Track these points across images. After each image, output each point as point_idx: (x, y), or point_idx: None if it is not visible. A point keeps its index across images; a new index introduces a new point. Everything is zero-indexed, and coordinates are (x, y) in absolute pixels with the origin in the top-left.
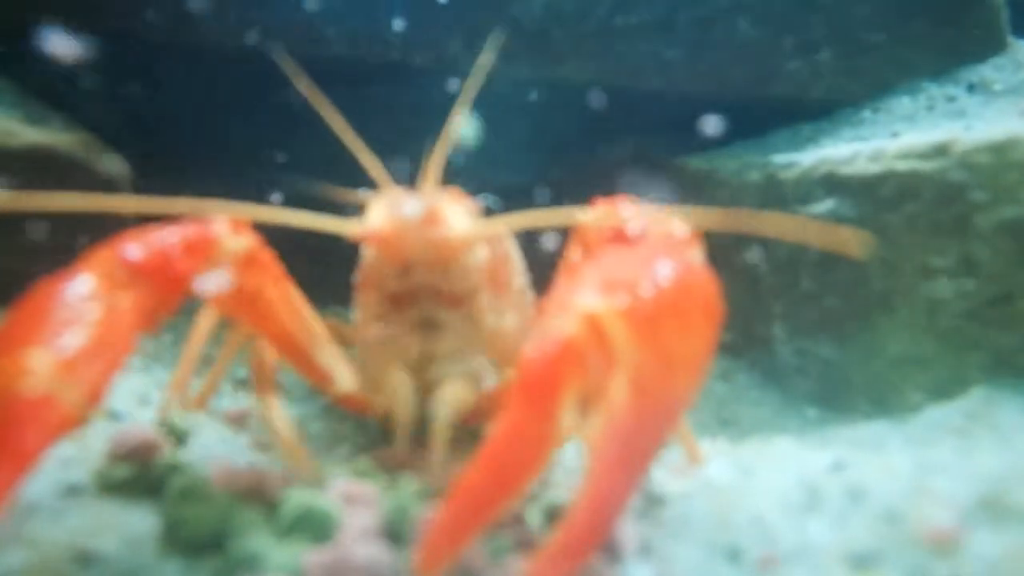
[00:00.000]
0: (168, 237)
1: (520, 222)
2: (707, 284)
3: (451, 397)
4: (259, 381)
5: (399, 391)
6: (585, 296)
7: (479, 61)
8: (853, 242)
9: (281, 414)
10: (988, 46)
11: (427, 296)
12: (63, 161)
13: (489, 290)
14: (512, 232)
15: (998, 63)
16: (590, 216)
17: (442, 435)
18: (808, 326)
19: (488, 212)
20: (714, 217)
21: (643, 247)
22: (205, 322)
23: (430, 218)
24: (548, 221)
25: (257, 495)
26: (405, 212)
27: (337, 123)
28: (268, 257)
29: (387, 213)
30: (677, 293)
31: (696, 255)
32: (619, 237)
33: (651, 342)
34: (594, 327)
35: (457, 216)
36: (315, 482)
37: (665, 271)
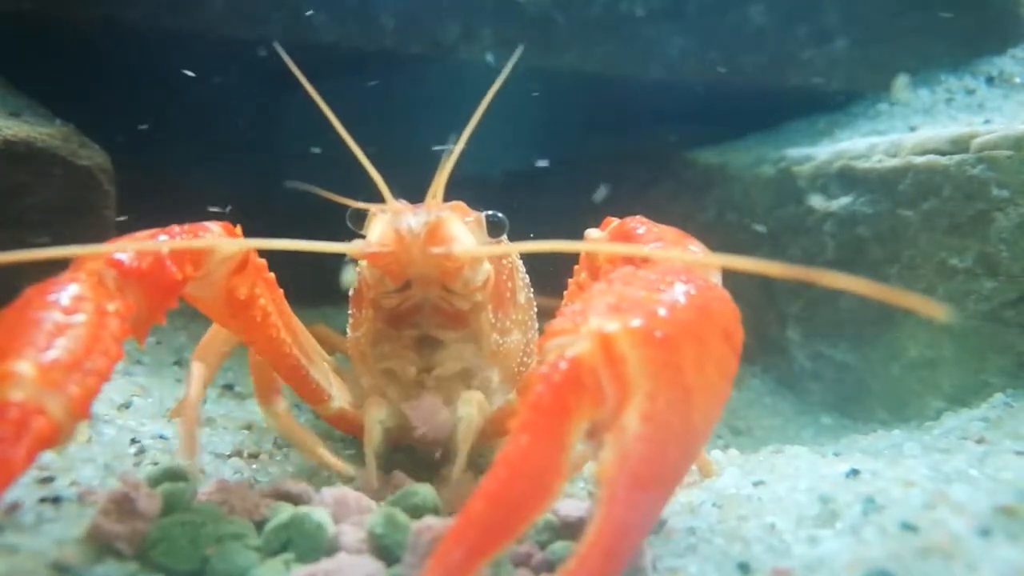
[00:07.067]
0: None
1: (527, 247)
2: (727, 306)
3: (470, 413)
4: (262, 392)
5: (372, 416)
6: (597, 316)
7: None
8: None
9: (292, 422)
10: (1008, 37)
11: (427, 314)
12: (42, 154)
13: (492, 307)
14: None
15: (1018, 55)
16: (601, 236)
17: (463, 450)
18: (824, 328)
19: (493, 226)
20: (745, 263)
21: (658, 267)
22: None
23: (432, 234)
24: (557, 247)
25: (244, 509)
26: (407, 227)
27: (341, 132)
28: (261, 264)
29: (388, 228)
30: (695, 315)
31: (714, 276)
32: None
33: (667, 366)
34: (607, 348)
35: (460, 232)
36: (302, 500)
37: (682, 292)
